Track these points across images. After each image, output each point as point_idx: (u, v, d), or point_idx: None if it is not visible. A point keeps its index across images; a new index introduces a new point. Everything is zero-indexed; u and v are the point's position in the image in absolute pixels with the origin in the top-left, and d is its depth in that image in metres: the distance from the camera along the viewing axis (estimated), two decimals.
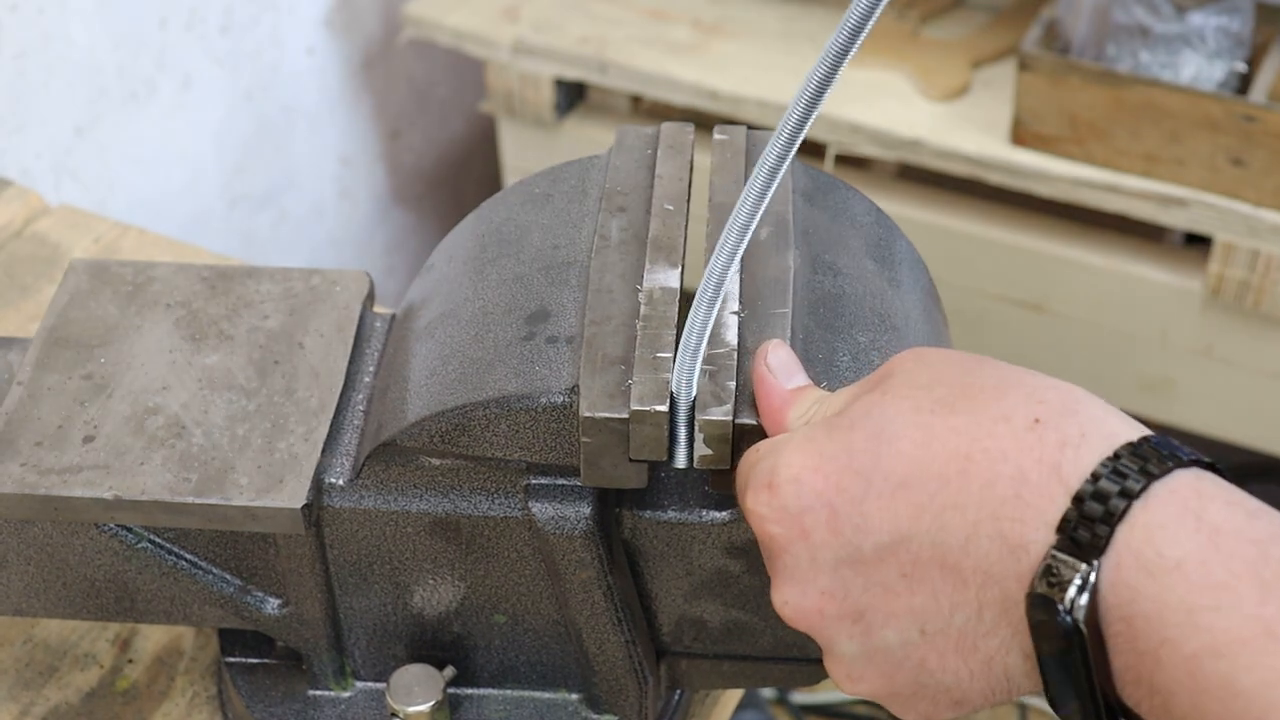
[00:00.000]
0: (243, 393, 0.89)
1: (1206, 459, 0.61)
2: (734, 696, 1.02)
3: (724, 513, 0.85)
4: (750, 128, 0.92)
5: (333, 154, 2.07)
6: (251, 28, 1.84)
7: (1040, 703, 2.17)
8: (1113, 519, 0.58)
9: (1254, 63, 1.71)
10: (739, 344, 0.79)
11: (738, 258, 0.72)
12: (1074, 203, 1.73)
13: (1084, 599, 0.58)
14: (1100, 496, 0.59)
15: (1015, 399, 0.62)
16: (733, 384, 0.76)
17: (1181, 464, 0.60)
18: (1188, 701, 0.56)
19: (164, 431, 0.87)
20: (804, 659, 0.91)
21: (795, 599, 0.67)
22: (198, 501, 0.83)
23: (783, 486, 0.66)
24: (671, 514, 0.85)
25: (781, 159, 0.68)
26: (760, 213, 0.71)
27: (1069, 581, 0.58)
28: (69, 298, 0.95)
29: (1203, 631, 0.56)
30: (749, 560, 0.86)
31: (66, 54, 1.60)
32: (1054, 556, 0.59)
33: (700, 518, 0.85)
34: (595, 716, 0.92)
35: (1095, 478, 0.59)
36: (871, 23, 0.63)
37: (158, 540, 0.88)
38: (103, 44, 1.64)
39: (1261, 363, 1.71)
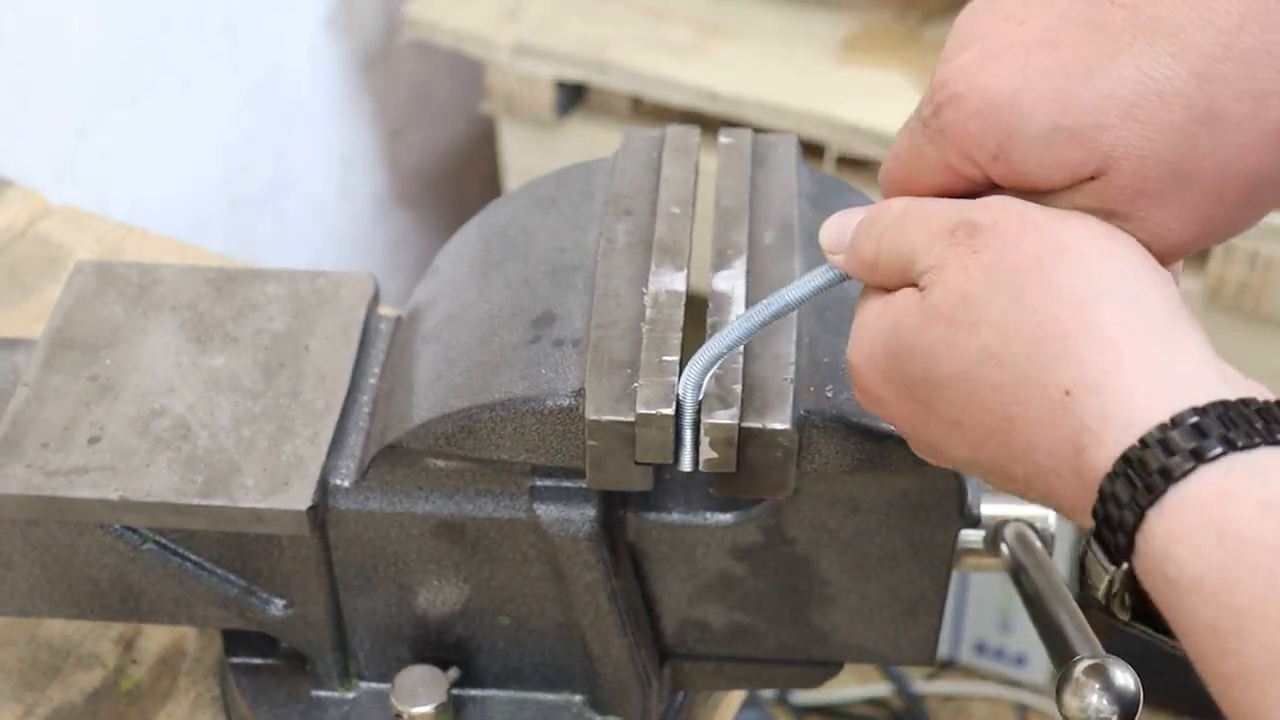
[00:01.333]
0: (248, 395, 0.89)
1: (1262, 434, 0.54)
2: (737, 698, 1.02)
3: (728, 515, 0.85)
4: (755, 130, 0.92)
5: (333, 154, 2.07)
6: (252, 28, 1.84)
7: (1041, 702, 2.18)
8: (1128, 529, 0.54)
9: None
10: (744, 347, 0.79)
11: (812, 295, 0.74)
12: None
13: (1116, 587, 0.56)
14: (1116, 502, 0.54)
15: (1054, 356, 0.57)
16: (738, 387, 0.76)
17: (1210, 457, 0.53)
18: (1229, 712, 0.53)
19: (170, 433, 0.87)
20: (807, 661, 0.91)
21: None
22: (203, 503, 0.84)
23: (862, 390, 0.68)
24: (676, 516, 0.85)
25: None
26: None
27: (1102, 578, 0.56)
28: (74, 299, 0.95)
29: (1230, 656, 0.52)
30: (753, 563, 0.86)
31: (68, 55, 1.60)
32: (1087, 551, 0.57)
33: (705, 520, 0.85)
34: (599, 718, 0.92)
35: (1112, 477, 0.55)
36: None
37: (163, 541, 0.88)
38: (104, 45, 1.64)
39: (1261, 363, 1.72)
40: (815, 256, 0.86)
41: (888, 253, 0.66)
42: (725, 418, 0.75)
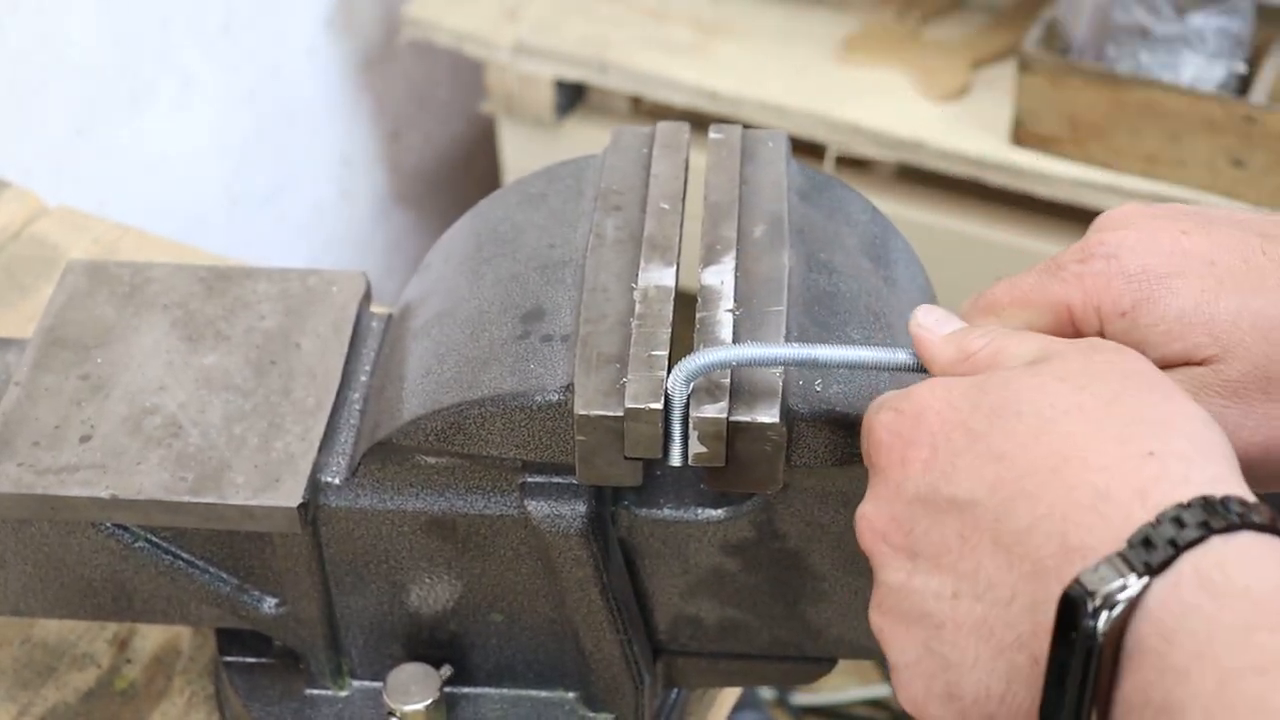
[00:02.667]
0: (239, 392, 0.89)
1: None
2: (731, 695, 1.02)
3: (719, 510, 0.85)
4: (746, 127, 0.92)
5: (333, 154, 2.07)
6: (252, 28, 1.84)
7: None
8: (1184, 545, 0.58)
9: (1254, 63, 1.71)
10: (733, 342, 0.79)
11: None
12: (1074, 203, 1.73)
13: (1116, 610, 0.58)
14: (1179, 521, 0.59)
15: (1148, 430, 0.63)
16: (727, 381, 0.76)
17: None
18: (1199, 718, 0.55)
19: (161, 431, 0.87)
20: (800, 657, 0.91)
21: (870, 514, 0.70)
22: (194, 501, 0.84)
23: (907, 415, 0.69)
24: (667, 512, 0.85)
25: None
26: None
27: (1108, 589, 0.58)
28: (66, 298, 0.95)
29: (1253, 649, 0.55)
30: (745, 558, 0.86)
31: (66, 55, 1.61)
32: (1109, 562, 0.59)
33: (696, 515, 0.85)
34: (592, 715, 0.92)
35: (1184, 506, 0.59)
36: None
37: (155, 539, 0.88)
38: (103, 44, 1.65)
39: None
40: (804, 251, 0.86)
41: (995, 352, 0.72)
42: (714, 412, 0.75)
